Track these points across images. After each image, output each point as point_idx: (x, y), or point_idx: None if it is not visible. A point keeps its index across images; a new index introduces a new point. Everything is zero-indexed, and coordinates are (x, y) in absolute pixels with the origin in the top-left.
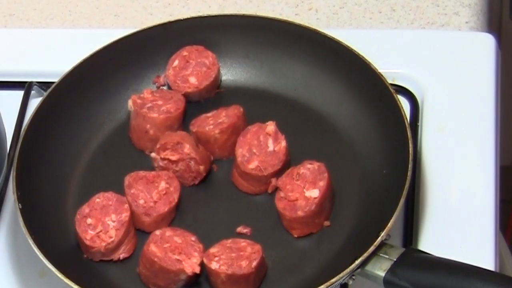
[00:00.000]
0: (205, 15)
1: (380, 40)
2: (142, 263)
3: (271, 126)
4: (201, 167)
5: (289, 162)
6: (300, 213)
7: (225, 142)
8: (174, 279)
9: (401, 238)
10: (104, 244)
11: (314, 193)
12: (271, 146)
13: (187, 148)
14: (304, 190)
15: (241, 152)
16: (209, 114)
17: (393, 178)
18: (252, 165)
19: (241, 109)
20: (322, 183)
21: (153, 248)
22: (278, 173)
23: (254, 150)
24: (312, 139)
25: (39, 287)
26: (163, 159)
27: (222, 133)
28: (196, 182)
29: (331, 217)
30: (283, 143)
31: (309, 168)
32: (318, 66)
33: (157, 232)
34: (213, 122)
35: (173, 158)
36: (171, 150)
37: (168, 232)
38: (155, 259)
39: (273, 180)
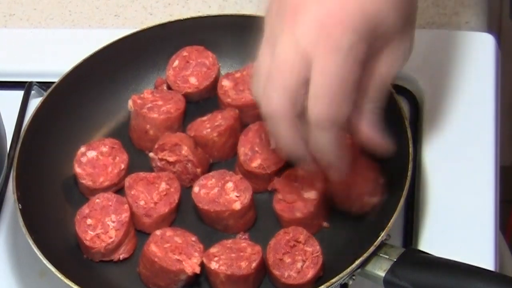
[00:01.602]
0: (205, 15)
1: None
2: (142, 263)
3: None
4: (198, 170)
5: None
6: (298, 214)
7: (223, 145)
8: (174, 279)
9: (401, 238)
10: (104, 244)
11: (312, 194)
12: (273, 144)
13: (184, 150)
14: (302, 191)
15: (243, 150)
16: (204, 118)
17: (393, 178)
18: (255, 163)
19: (237, 111)
20: (320, 185)
21: (153, 248)
22: (281, 171)
23: (256, 149)
24: None
25: (39, 287)
26: (160, 159)
27: (220, 136)
28: (193, 184)
29: (331, 216)
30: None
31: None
32: None
33: (158, 232)
34: (210, 126)
35: (171, 159)
36: (168, 151)
37: (169, 232)
38: (155, 259)
39: (276, 178)
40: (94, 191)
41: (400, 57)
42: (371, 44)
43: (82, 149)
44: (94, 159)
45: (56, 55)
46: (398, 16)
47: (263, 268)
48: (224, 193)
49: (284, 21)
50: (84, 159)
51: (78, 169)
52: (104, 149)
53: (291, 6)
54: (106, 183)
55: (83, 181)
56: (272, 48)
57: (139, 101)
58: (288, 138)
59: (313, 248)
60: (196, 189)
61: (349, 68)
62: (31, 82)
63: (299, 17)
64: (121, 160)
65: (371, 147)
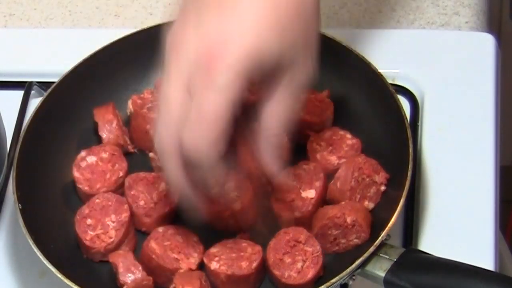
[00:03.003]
0: None
1: (380, 40)
2: (140, 257)
3: None
4: None
5: (291, 160)
6: (297, 214)
7: None
8: (170, 277)
9: (401, 238)
10: (104, 244)
11: (310, 193)
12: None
13: None
14: (301, 190)
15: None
16: None
17: (393, 178)
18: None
19: None
20: (318, 184)
21: (153, 244)
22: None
23: None
24: None
25: (39, 287)
26: None
27: None
28: None
29: None
30: (285, 141)
31: (304, 168)
32: (318, 66)
33: (160, 229)
34: None
35: None
36: None
37: (171, 230)
38: (153, 256)
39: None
40: (90, 197)
41: (295, 89)
42: (260, 78)
43: (82, 153)
44: (94, 164)
45: (56, 55)
46: (286, 48)
47: (264, 268)
48: (225, 193)
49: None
50: (83, 164)
51: (76, 174)
52: (104, 155)
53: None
54: (103, 190)
55: (80, 186)
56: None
57: (139, 101)
58: (177, 176)
59: (313, 248)
60: None
61: (224, 106)
62: (31, 82)
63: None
64: (120, 167)
65: (266, 172)
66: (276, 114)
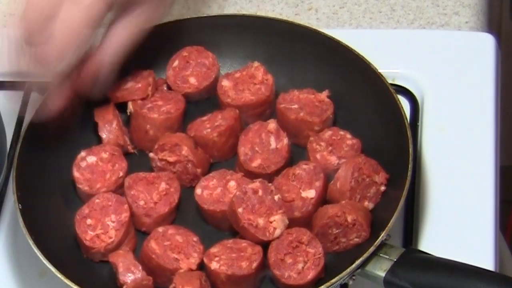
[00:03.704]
0: (205, 15)
1: (380, 40)
2: (141, 257)
3: (272, 124)
4: (198, 170)
5: (291, 160)
6: (297, 213)
7: (224, 145)
8: (170, 278)
9: (401, 238)
10: (104, 244)
11: (310, 193)
12: (273, 144)
13: (184, 151)
14: (301, 190)
15: (243, 150)
16: (204, 118)
17: (393, 178)
18: (255, 163)
19: (237, 111)
20: (318, 184)
21: (153, 244)
22: (280, 171)
23: (257, 148)
24: None
25: (39, 287)
26: (161, 159)
27: (220, 136)
28: (194, 184)
29: None
30: (285, 141)
31: (304, 168)
32: (318, 66)
33: (160, 229)
34: (210, 126)
35: (171, 159)
36: (169, 151)
37: (171, 230)
38: (153, 256)
39: (274, 177)
40: (90, 197)
41: (141, 22)
42: (119, 6)
43: (82, 153)
44: (94, 164)
45: None
46: None
47: (264, 268)
48: (228, 192)
49: None
50: (83, 164)
51: (76, 174)
52: (105, 155)
53: None
54: (103, 190)
55: (80, 186)
56: None
57: (139, 101)
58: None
59: (316, 250)
60: (198, 191)
61: (84, 22)
62: (31, 82)
63: None
64: (120, 167)
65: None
66: (118, 36)
